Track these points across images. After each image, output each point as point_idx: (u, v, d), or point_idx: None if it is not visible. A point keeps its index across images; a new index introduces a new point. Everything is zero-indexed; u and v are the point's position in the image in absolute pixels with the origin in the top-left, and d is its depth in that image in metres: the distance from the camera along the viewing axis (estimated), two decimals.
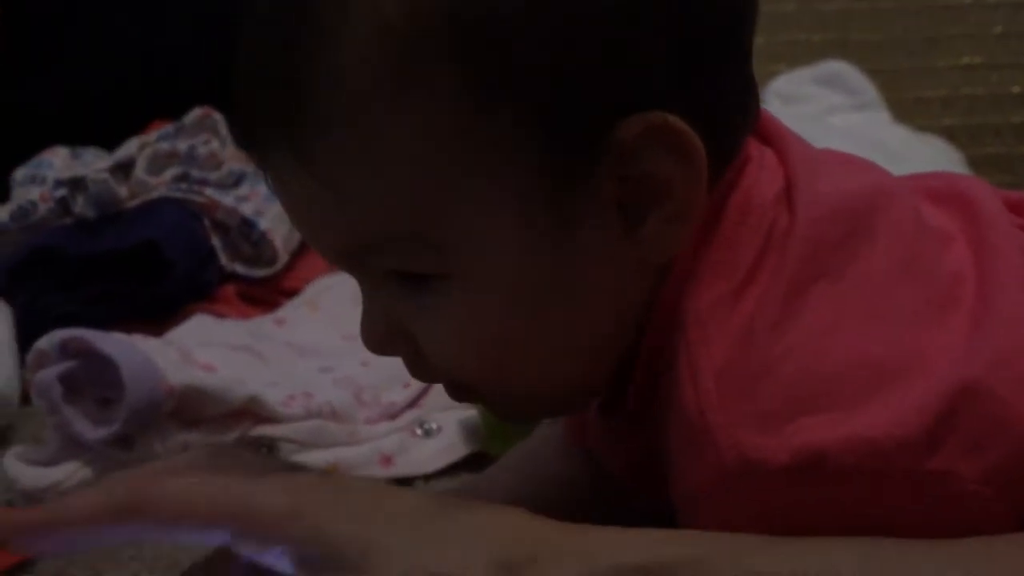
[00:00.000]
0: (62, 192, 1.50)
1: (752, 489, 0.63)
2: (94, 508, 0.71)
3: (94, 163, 1.54)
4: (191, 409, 1.13)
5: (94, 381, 1.12)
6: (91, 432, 1.10)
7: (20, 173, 1.58)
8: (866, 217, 0.68)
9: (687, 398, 0.65)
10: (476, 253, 0.69)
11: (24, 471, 1.12)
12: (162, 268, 1.45)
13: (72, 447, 1.12)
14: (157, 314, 1.41)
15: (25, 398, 1.34)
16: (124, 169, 1.50)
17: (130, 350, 1.11)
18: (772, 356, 0.63)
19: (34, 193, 1.52)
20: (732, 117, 0.70)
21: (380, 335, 0.75)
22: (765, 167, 0.71)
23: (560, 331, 0.72)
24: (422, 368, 0.77)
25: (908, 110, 1.97)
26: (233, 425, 1.16)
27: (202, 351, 1.19)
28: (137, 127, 1.59)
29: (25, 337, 1.39)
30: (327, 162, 0.68)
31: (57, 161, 1.57)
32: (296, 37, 0.68)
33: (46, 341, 1.14)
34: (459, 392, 0.78)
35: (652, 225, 0.68)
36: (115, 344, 1.12)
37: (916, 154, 1.73)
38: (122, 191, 1.47)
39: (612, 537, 0.64)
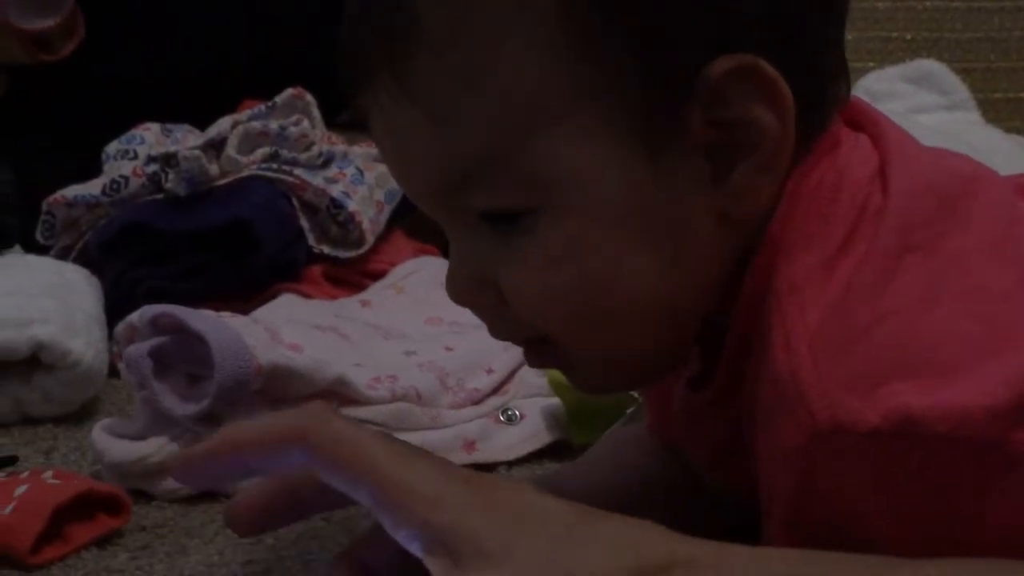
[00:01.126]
0: (154, 168, 1.51)
1: (840, 453, 0.64)
2: (262, 432, 0.74)
3: (186, 140, 1.56)
4: (278, 388, 1.13)
5: (184, 357, 1.12)
6: (180, 408, 1.10)
7: (112, 147, 1.60)
8: (962, 199, 0.68)
9: (780, 362, 0.65)
10: (568, 183, 0.71)
11: (111, 444, 1.12)
12: (251, 246, 1.46)
13: (160, 422, 1.12)
14: (245, 292, 1.43)
15: (111, 371, 1.35)
16: (216, 147, 1.51)
17: (221, 328, 1.11)
18: (867, 321, 0.64)
19: (126, 168, 1.53)
20: (823, 88, 0.72)
21: (465, 281, 0.77)
22: (859, 148, 0.72)
23: (643, 277, 0.72)
24: (503, 322, 0.78)
25: (1000, 111, 1.95)
26: None
27: (289, 330, 1.19)
28: (229, 106, 1.61)
29: (113, 310, 1.41)
30: (429, 82, 0.70)
31: (149, 137, 1.59)
32: None
33: (137, 316, 1.14)
34: (540, 352, 0.79)
35: (740, 174, 0.70)
36: (206, 322, 1.12)
37: (1006, 155, 1.71)
38: (213, 169, 1.49)
39: (746, 553, 0.65)
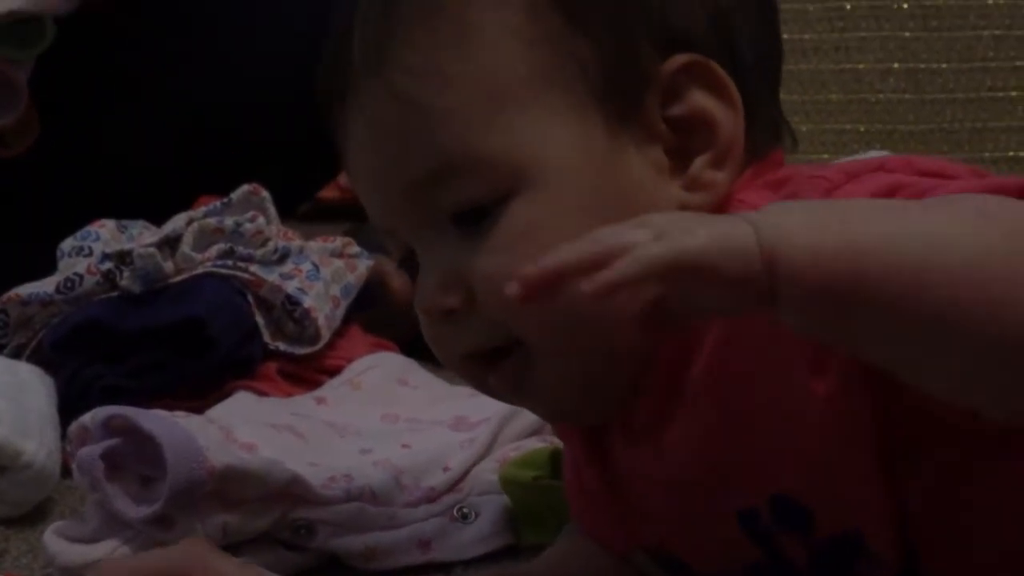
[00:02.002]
0: (108, 265, 1.50)
1: None
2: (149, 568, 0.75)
3: (141, 237, 1.54)
4: (232, 490, 1.12)
5: (136, 459, 1.12)
6: (132, 511, 1.09)
7: (67, 244, 1.58)
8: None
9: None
10: (536, 167, 0.76)
11: (64, 548, 1.12)
12: (206, 344, 1.45)
13: (112, 525, 1.11)
14: (200, 389, 1.41)
15: (64, 472, 1.34)
16: (171, 244, 1.50)
17: (173, 429, 1.11)
18: None
19: (81, 265, 1.52)
20: (763, 110, 0.80)
21: (435, 284, 0.79)
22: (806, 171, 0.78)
23: None
24: (470, 328, 0.79)
25: None
26: (273, 506, 1.14)
27: (243, 429, 1.19)
28: (185, 202, 1.60)
29: (67, 408, 1.40)
30: (413, 77, 0.77)
31: (104, 233, 1.57)
32: None
33: (89, 418, 1.14)
34: (502, 370, 0.80)
35: (697, 167, 0.77)
36: (158, 423, 1.12)
37: None
38: (168, 266, 1.48)
39: None
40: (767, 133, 0.80)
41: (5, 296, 1.54)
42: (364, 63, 0.79)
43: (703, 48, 0.78)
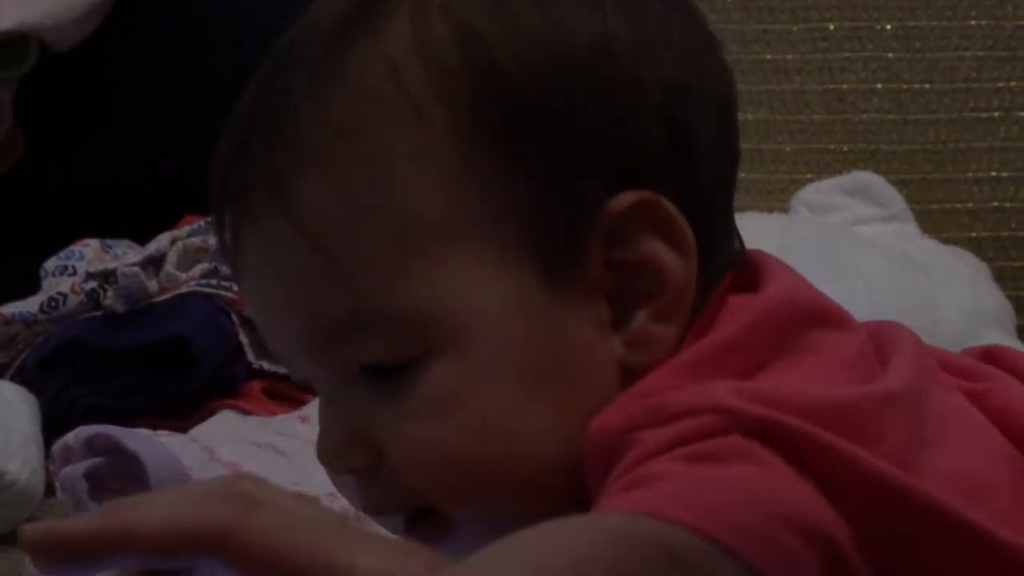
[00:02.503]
0: (92, 285, 1.51)
1: None
2: (167, 524, 0.57)
3: (125, 256, 1.56)
4: None
5: (120, 478, 1.13)
6: None
7: (51, 263, 1.60)
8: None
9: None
10: (459, 321, 0.67)
11: None
12: (189, 363, 1.46)
13: None
14: (183, 409, 1.42)
15: (48, 491, 1.34)
16: (155, 263, 1.52)
17: (156, 448, 1.13)
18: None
19: (64, 285, 1.53)
20: (720, 235, 0.70)
21: (338, 443, 0.71)
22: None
23: (540, 425, 0.68)
24: (380, 490, 0.72)
25: (936, 221, 1.97)
26: None
27: (227, 448, 1.20)
28: (169, 221, 1.61)
29: (51, 427, 1.41)
30: (317, 207, 0.67)
31: (88, 252, 1.59)
32: (293, 80, 0.69)
33: (73, 437, 1.16)
34: (420, 528, 0.72)
35: (640, 321, 0.67)
36: (141, 442, 1.13)
37: (941, 266, 1.73)
38: (152, 285, 1.49)
39: None
40: (722, 264, 0.70)
41: None
42: (264, 186, 0.68)
43: (658, 171, 0.68)
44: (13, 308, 1.55)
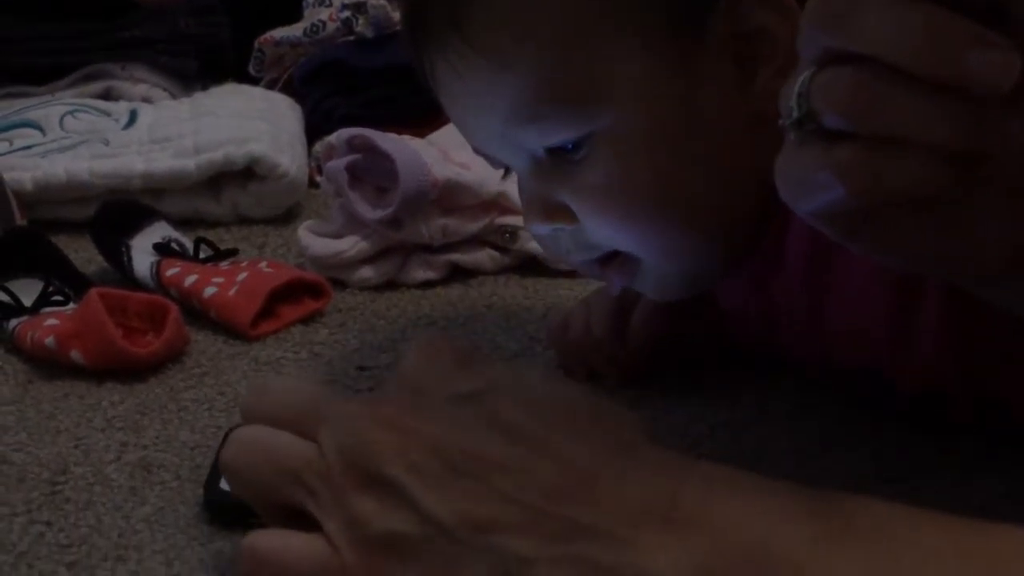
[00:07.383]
0: (347, 14, 1.59)
1: None
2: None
3: None
4: (450, 199, 1.20)
5: (373, 172, 1.19)
6: (370, 213, 1.18)
7: None
8: None
9: None
10: (615, 102, 0.73)
11: (314, 241, 1.21)
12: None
13: (353, 224, 1.20)
14: (422, 119, 1.44)
15: (310, 182, 1.46)
16: None
17: (404, 148, 1.18)
18: None
19: (323, 14, 1.61)
20: None
21: (540, 211, 0.79)
22: None
23: (690, 178, 0.75)
24: (579, 242, 0.79)
25: None
26: (482, 215, 1.23)
27: (458, 152, 1.22)
28: None
29: (311, 132, 1.54)
30: (489, 31, 0.73)
31: None
32: None
33: (335, 137, 1.22)
34: (616, 269, 0.80)
35: (763, 78, 0.73)
36: (392, 142, 1.18)
37: None
38: (396, 14, 1.54)
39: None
40: None
41: (261, 38, 1.65)
42: (442, 21, 0.74)
43: None
44: (281, 32, 1.64)
